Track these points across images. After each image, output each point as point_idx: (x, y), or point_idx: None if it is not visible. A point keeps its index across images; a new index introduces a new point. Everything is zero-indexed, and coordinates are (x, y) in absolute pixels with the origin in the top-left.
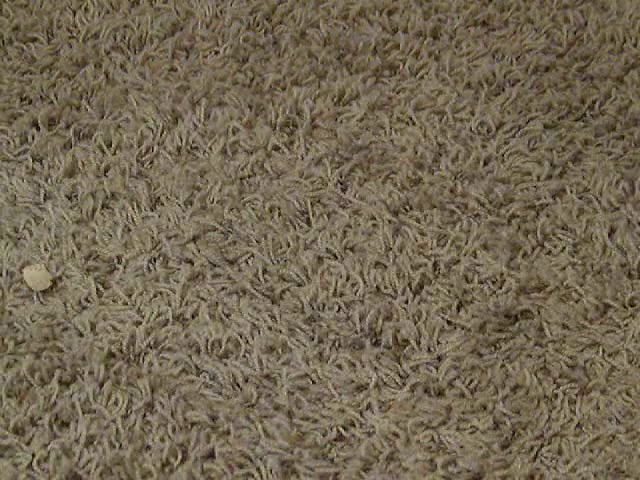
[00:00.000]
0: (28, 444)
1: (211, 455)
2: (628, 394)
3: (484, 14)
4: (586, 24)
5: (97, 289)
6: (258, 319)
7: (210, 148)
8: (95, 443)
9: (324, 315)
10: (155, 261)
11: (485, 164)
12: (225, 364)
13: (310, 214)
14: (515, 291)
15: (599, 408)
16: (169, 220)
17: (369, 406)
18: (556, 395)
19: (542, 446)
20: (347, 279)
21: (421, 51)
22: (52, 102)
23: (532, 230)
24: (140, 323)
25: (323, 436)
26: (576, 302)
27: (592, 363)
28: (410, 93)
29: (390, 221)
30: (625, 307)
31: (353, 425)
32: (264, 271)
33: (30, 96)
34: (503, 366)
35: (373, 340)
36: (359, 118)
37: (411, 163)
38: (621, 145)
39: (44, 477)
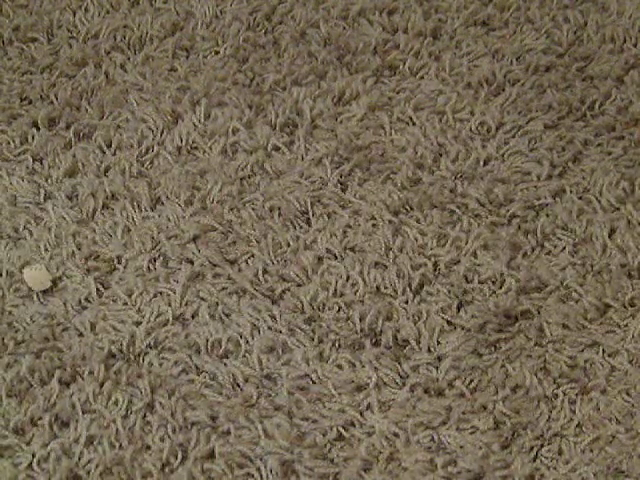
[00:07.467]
0: (28, 444)
1: (211, 455)
2: (628, 394)
3: (484, 14)
4: (586, 24)
5: (97, 289)
6: (258, 319)
7: (210, 148)
8: (95, 443)
9: (324, 315)
10: (155, 261)
11: (485, 164)
12: (225, 364)
13: (310, 214)
14: (515, 291)
15: (599, 408)
16: (169, 220)
17: (369, 406)
18: (556, 395)
19: (542, 446)
20: (347, 279)
21: (421, 51)
22: (52, 102)
23: (532, 230)
24: (140, 323)
25: (323, 436)
26: (576, 302)
27: (592, 363)
28: (410, 93)
29: (390, 221)
30: (625, 307)
31: (353, 425)
32: (264, 271)
33: (30, 96)
34: (503, 366)
35: (373, 340)
36: (359, 118)
37: (411, 163)
38: (621, 145)
39: (44, 477)
